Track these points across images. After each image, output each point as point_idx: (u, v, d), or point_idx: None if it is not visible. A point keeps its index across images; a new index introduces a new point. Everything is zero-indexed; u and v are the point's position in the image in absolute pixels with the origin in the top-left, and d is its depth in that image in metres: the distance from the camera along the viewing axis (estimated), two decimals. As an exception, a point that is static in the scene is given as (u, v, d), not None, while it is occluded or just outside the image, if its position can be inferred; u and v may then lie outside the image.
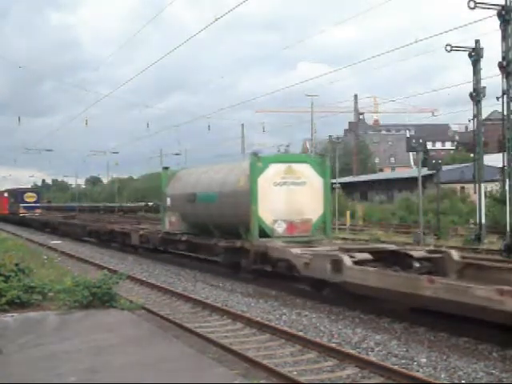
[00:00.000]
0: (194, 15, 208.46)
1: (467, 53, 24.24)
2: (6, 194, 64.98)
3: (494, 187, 31.20)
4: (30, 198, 57.81)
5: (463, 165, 50.02)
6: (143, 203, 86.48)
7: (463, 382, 7.44)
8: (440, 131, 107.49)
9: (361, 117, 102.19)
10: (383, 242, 21.35)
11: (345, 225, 34.25)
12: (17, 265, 12.15)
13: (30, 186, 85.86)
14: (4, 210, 62.58)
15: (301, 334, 9.84)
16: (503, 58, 21.02)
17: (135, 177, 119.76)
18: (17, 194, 59.29)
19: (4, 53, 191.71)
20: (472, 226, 27.70)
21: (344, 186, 52.70)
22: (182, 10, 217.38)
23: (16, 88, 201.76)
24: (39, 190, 69.78)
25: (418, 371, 7.80)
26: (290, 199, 15.43)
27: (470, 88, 24.55)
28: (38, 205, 57.89)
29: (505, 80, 21.06)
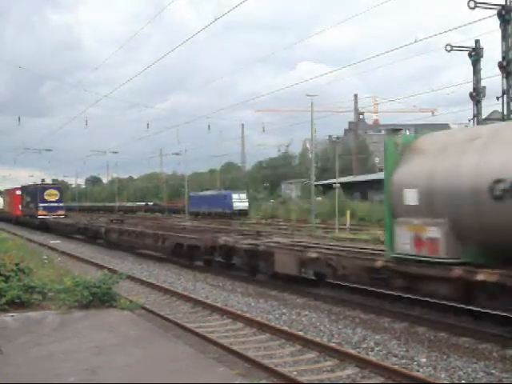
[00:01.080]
0: (196, 15, 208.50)
1: (467, 53, 24.25)
2: (18, 192, 52.89)
3: None
4: (52, 195, 45.34)
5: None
6: (143, 203, 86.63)
7: (463, 381, 7.44)
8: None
9: (361, 117, 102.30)
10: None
11: (345, 225, 34.27)
12: (17, 265, 12.14)
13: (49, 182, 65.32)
14: (16, 211, 51.97)
15: (301, 333, 9.84)
16: (503, 58, 21.03)
17: (135, 177, 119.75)
18: (35, 192, 46.30)
19: (4, 53, 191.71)
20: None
21: (344, 185, 52.69)
22: (183, 10, 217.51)
23: (16, 88, 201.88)
24: (60, 186, 55.30)
25: (418, 371, 7.80)
26: None
27: (470, 88, 24.56)
28: (61, 205, 45.90)
29: (505, 80, 21.07)
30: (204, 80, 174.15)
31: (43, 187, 46.73)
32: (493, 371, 7.75)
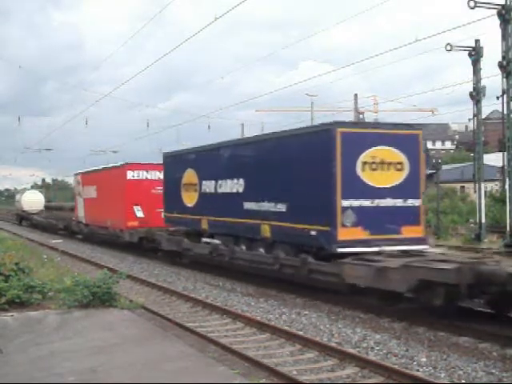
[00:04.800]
0: (198, 15, 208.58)
1: (467, 52, 24.26)
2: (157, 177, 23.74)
3: (493, 187, 31.22)
4: None
5: (463, 164, 49.99)
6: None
7: (463, 381, 7.44)
8: (440, 131, 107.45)
9: (361, 116, 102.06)
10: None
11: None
12: (17, 264, 12.14)
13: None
14: (154, 222, 22.47)
15: (301, 333, 9.84)
16: (503, 58, 21.03)
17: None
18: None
19: (7, 53, 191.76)
20: (472, 225, 27.72)
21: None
22: (185, 9, 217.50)
23: (18, 88, 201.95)
24: None
25: (417, 371, 7.80)
26: None
27: (470, 87, 24.57)
28: None
29: (505, 80, 21.07)
30: (207, 79, 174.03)
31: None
32: (493, 371, 7.75)
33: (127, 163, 24.95)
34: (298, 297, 13.31)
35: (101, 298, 10.92)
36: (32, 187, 79.11)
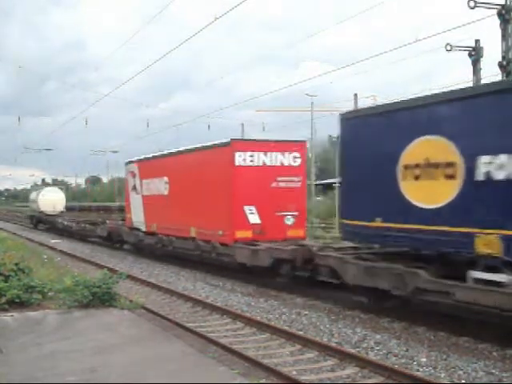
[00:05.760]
0: (198, 15, 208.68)
1: (467, 52, 24.23)
2: (279, 162, 16.43)
3: None
4: None
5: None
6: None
7: (463, 381, 7.44)
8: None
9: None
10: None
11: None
12: (17, 264, 12.14)
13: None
14: (274, 232, 15.90)
15: (301, 333, 9.84)
16: (503, 58, 21.02)
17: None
18: None
19: (7, 53, 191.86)
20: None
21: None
22: (186, 10, 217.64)
23: (19, 88, 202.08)
24: None
25: (417, 371, 7.80)
26: None
27: (470, 87, 24.53)
28: None
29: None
30: (207, 79, 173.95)
31: None
32: (493, 371, 7.75)
33: (236, 139, 16.84)
34: (298, 297, 13.31)
35: (101, 298, 10.92)
36: (50, 185, 66.78)
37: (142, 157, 24.16)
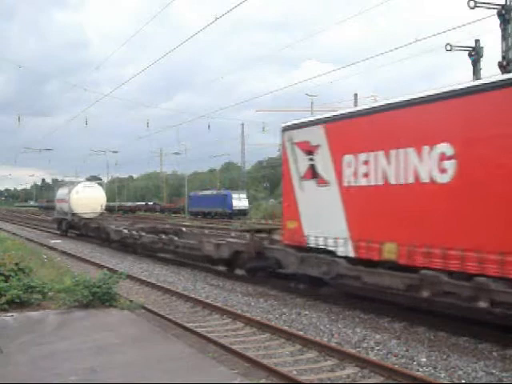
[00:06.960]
0: (198, 15, 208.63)
1: (467, 52, 24.23)
2: None
3: None
4: None
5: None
6: (143, 203, 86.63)
7: (463, 381, 7.44)
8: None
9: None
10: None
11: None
12: (17, 264, 12.15)
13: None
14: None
15: (301, 333, 9.84)
16: (503, 58, 21.02)
17: (135, 176, 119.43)
18: None
19: (9, 53, 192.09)
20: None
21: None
22: (186, 10, 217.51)
23: (19, 88, 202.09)
24: None
25: (417, 371, 7.81)
26: None
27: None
28: None
29: (505, 79, 21.04)
30: (207, 79, 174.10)
31: None
32: (493, 371, 7.75)
33: None
34: (298, 297, 13.31)
35: (101, 298, 10.92)
36: (87, 179, 45.51)
37: (338, 112, 12.53)
